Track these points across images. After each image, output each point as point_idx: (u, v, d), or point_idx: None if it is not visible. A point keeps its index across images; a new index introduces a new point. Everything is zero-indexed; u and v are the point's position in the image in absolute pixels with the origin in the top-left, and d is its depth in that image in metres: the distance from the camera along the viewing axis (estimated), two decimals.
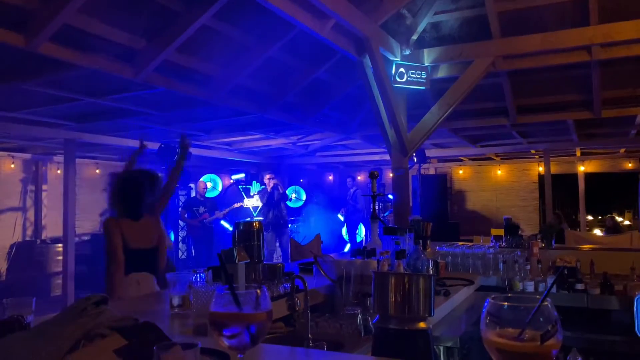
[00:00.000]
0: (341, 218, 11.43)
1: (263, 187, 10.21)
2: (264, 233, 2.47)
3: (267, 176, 9.68)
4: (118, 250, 3.40)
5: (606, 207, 13.62)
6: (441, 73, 5.80)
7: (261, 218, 9.97)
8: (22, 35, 3.63)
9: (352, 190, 11.39)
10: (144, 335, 1.23)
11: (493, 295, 0.95)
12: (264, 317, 1.04)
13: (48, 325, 1.22)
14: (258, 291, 1.05)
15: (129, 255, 3.45)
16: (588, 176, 11.21)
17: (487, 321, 0.92)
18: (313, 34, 4.22)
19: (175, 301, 1.99)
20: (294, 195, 11.43)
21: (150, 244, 3.57)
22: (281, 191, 9.52)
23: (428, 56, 5.58)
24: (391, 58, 5.31)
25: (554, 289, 3.66)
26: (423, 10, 5.57)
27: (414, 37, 5.65)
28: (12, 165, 8.94)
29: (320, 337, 2.21)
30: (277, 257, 9.33)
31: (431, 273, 3.01)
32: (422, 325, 1.56)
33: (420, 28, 5.64)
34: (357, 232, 11.15)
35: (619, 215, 13.02)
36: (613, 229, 10.04)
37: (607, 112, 6.76)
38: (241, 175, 10.63)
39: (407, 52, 5.56)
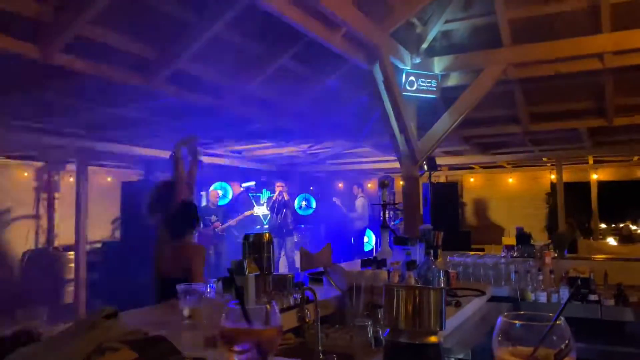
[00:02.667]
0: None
1: (272, 194, 10.25)
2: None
3: (278, 184, 9.74)
4: (156, 276, 3.45)
5: (620, 215, 13.42)
6: (452, 81, 5.78)
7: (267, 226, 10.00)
8: (36, 46, 3.68)
9: (357, 198, 11.31)
10: (154, 349, 1.23)
11: (505, 313, 0.93)
12: (274, 333, 1.04)
13: (59, 339, 1.22)
14: (268, 306, 1.04)
15: (159, 283, 3.46)
16: (601, 184, 11.09)
17: (499, 339, 0.91)
18: (323, 43, 4.23)
19: (186, 312, 1.99)
20: (304, 203, 11.42)
21: (178, 273, 3.30)
22: (286, 198, 9.55)
23: (438, 64, 5.57)
24: (401, 66, 5.31)
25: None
26: (433, 19, 5.57)
27: (424, 46, 5.65)
28: (26, 174, 9.03)
29: (330, 348, 2.19)
30: (284, 266, 9.31)
31: (442, 284, 2.99)
32: (433, 339, 1.54)
33: (430, 36, 5.64)
34: (364, 240, 11.08)
35: (633, 224, 12.82)
36: (627, 238, 9.90)
37: (620, 120, 6.70)
38: (251, 183, 10.63)
39: (418, 60, 5.56)
